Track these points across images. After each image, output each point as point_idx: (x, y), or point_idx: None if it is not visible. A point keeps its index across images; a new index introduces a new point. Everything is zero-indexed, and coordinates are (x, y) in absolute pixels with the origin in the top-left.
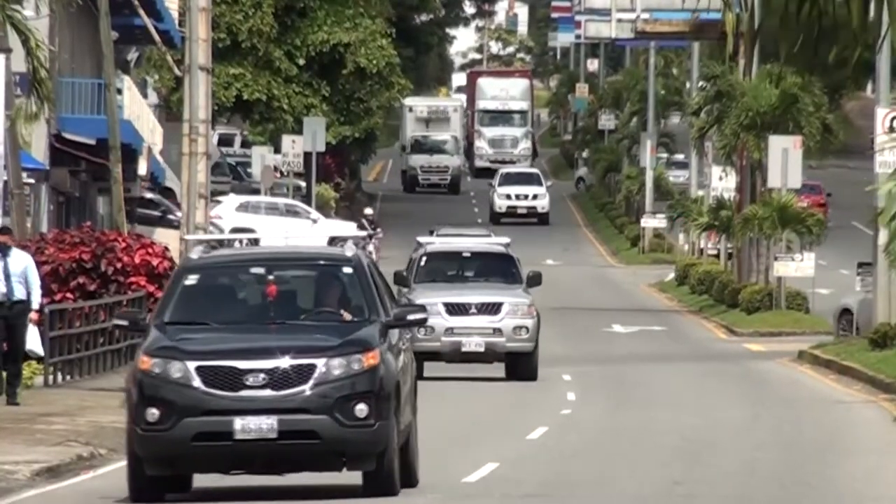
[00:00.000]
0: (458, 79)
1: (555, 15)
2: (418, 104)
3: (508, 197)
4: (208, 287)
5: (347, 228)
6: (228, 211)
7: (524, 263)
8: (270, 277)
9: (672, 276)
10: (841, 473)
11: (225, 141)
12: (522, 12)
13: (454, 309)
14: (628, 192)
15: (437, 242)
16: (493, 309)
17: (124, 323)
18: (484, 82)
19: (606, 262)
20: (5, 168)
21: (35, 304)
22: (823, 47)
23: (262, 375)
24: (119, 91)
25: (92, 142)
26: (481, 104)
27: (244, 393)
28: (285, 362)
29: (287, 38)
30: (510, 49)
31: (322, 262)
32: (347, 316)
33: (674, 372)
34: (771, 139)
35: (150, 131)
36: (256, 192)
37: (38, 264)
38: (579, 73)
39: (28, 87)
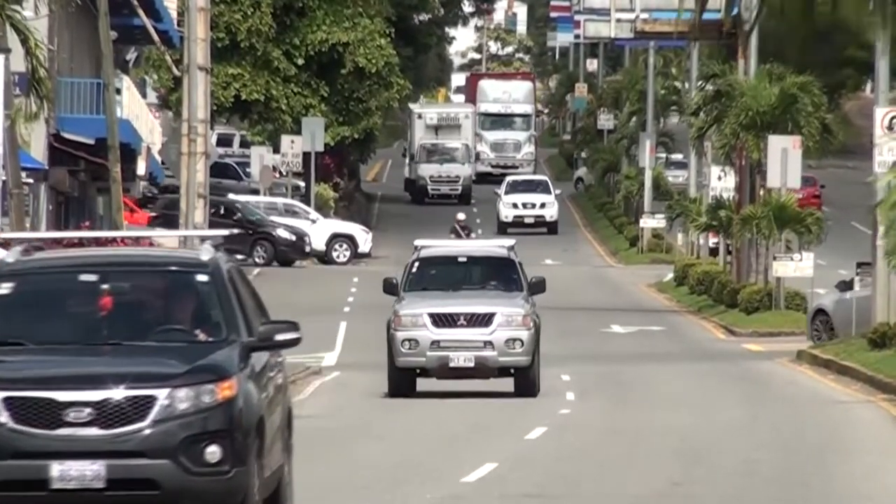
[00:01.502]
0: (458, 79)
1: (554, 14)
2: (428, 111)
3: (515, 206)
4: (25, 298)
5: (351, 228)
6: None
7: (523, 264)
8: (105, 287)
9: (671, 276)
10: (840, 473)
11: (224, 141)
12: (521, 12)
13: (441, 320)
14: (627, 192)
15: (433, 246)
16: (483, 320)
17: None
18: (486, 84)
19: (605, 262)
20: (4, 168)
21: None
22: (823, 47)
23: (87, 410)
24: (118, 91)
25: (91, 141)
26: (483, 107)
27: (64, 431)
28: (118, 393)
29: (286, 38)
30: (509, 49)
31: (170, 269)
32: (201, 334)
33: (673, 372)
34: (770, 139)
35: (149, 131)
36: (255, 192)
37: None
38: (578, 72)
39: (27, 86)
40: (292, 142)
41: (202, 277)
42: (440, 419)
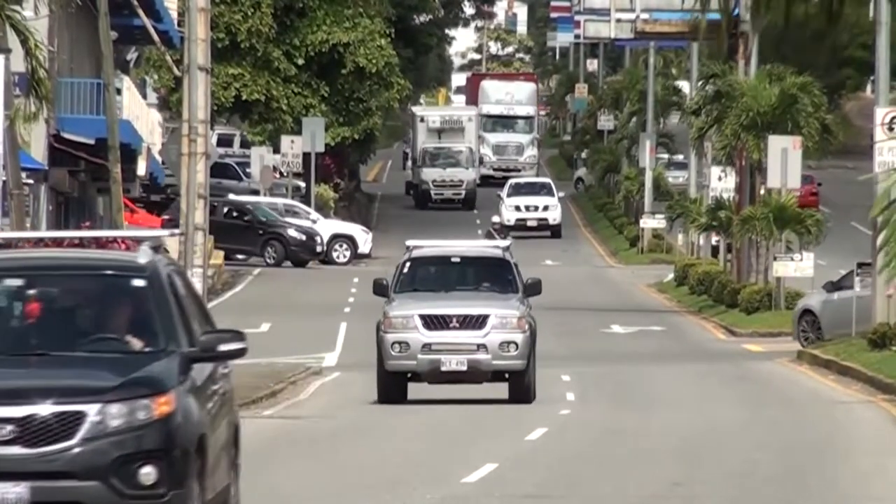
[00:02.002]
0: (458, 79)
1: (554, 15)
2: (430, 114)
3: (518, 209)
4: None
5: (351, 228)
6: None
7: (522, 265)
8: (31, 292)
9: (671, 276)
10: (840, 474)
11: (224, 141)
12: (521, 12)
13: (433, 322)
14: (627, 192)
15: (426, 247)
16: (477, 322)
17: None
18: (488, 85)
19: (605, 262)
20: (4, 168)
21: None
22: (823, 46)
23: (9, 427)
24: (118, 91)
25: (91, 142)
26: (485, 108)
27: None
28: (44, 409)
29: (286, 38)
30: (509, 49)
31: (104, 273)
32: (136, 344)
33: (673, 372)
34: (770, 139)
35: (150, 131)
36: (256, 192)
37: None
38: (578, 73)
39: (27, 87)
40: (292, 142)
41: (139, 282)
42: (440, 419)
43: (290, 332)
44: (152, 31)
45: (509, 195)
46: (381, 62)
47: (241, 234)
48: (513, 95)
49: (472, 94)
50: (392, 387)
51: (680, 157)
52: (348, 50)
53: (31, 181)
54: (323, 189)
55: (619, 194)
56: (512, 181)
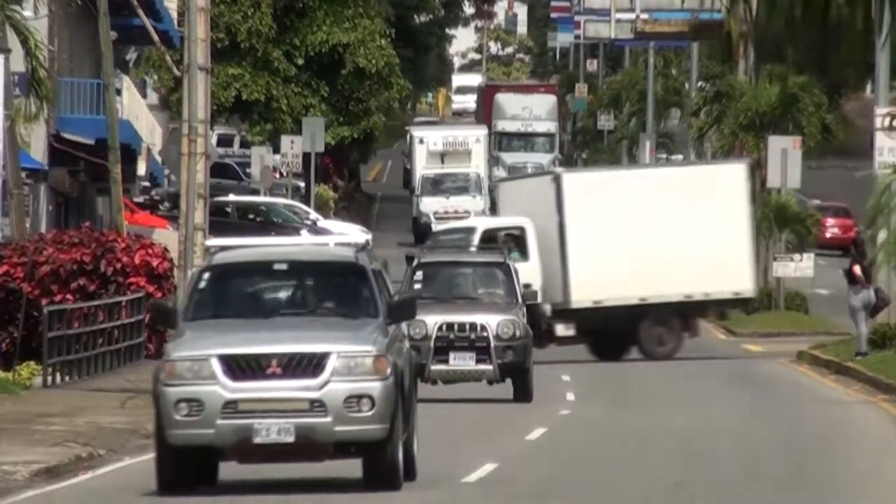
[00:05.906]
0: (458, 80)
1: (554, 15)
2: (431, 134)
3: None
4: None
5: (350, 229)
6: None
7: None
8: None
9: None
10: (840, 474)
11: (224, 141)
12: (521, 12)
13: (240, 367)
14: None
15: (235, 247)
16: (309, 366)
17: None
18: (504, 99)
19: None
20: (4, 168)
21: None
22: (828, 48)
23: None
24: (118, 91)
25: (91, 142)
26: (500, 125)
27: None
28: None
29: (286, 39)
30: (509, 49)
31: None
32: None
33: (673, 372)
34: (770, 139)
35: (150, 132)
36: (256, 192)
37: (37, 264)
38: (578, 73)
39: (27, 86)
40: (292, 142)
41: None
42: (440, 420)
43: None
44: (152, 31)
45: None
46: (381, 62)
47: (253, 234)
48: (531, 110)
49: (485, 108)
50: (180, 469)
51: (680, 158)
52: (348, 50)
53: (30, 181)
54: (323, 189)
55: None
56: None
